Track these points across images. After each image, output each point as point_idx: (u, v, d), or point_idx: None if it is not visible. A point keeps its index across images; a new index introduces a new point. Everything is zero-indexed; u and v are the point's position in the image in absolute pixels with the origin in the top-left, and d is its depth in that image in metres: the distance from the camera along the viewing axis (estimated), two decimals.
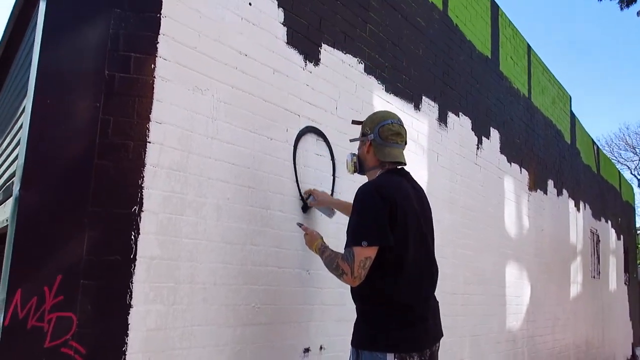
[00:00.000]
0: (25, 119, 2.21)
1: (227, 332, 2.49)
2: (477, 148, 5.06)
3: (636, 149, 36.66)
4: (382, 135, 2.40)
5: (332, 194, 3.21)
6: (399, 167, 2.44)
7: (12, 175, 2.65)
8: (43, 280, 2.04)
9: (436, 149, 4.29)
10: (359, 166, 2.53)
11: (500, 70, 5.75)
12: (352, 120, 2.70)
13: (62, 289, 2.04)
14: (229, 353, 2.49)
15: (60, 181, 2.12)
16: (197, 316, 2.35)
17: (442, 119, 4.50)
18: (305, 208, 3.02)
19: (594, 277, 9.02)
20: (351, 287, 2.31)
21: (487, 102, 5.37)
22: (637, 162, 36.36)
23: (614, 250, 10.80)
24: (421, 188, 2.50)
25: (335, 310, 3.15)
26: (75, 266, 2.06)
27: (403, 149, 2.48)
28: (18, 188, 2.09)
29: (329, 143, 3.26)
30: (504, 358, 5.34)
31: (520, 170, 6.08)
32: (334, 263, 2.26)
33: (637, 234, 24.33)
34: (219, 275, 2.47)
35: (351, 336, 2.31)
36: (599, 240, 9.48)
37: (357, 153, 2.56)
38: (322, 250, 2.41)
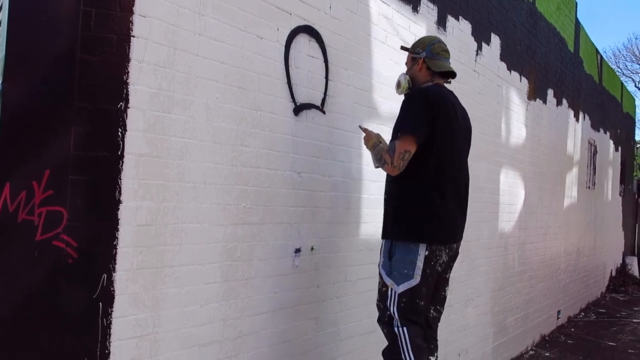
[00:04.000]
0: (3, 11, 2.12)
1: (218, 231, 2.54)
2: (477, 54, 4.94)
3: None
4: (434, 50, 2.82)
5: (324, 97, 3.17)
6: (446, 83, 2.86)
7: None
8: (31, 174, 2.04)
9: None
10: (412, 84, 2.85)
11: None
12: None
13: (50, 184, 2.05)
14: (221, 250, 2.55)
15: (44, 75, 2.07)
16: (187, 214, 2.39)
17: (441, 23, 4.35)
18: (297, 111, 2.98)
19: (588, 187, 9.14)
20: (390, 182, 2.70)
21: (489, 6, 5.17)
22: None
23: (611, 161, 10.86)
24: (463, 107, 2.92)
25: (326, 213, 3.21)
26: (64, 161, 2.06)
27: (450, 64, 2.88)
28: (0, 81, 2.05)
29: (322, 44, 3.16)
30: (494, 263, 5.51)
31: (520, 78, 5.96)
32: (379, 155, 2.63)
33: (637, 147, 24.40)
34: (209, 175, 2.48)
35: (381, 230, 2.74)
36: (597, 152, 9.50)
37: (409, 72, 2.90)
38: (374, 145, 2.75)
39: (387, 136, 2.99)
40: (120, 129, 2.13)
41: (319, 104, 3.12)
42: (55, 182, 2.06)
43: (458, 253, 2.79)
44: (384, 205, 2.78)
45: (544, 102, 6.75)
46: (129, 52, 2.14)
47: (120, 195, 2.13)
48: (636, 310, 9.35)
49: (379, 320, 2.71)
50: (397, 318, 2.51)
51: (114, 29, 2.13)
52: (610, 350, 6.69)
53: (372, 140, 2.84)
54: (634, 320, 8.51)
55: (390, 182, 2.71)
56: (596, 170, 9.55)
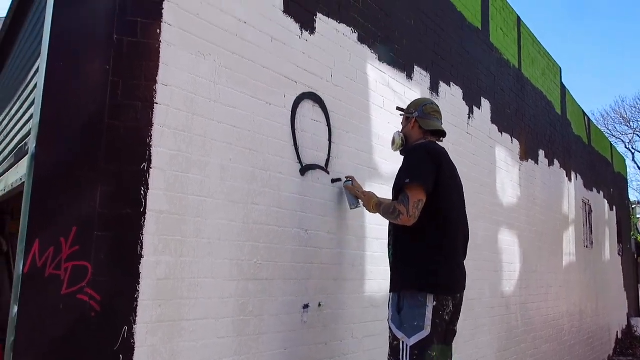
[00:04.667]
0: (39, 80, 2.32)
1: (232, 285, 2.64)
2: (469, 117, 5.20)
3: (631, 123, 36.85)
4: (426, 111, 3.02)
5: (328, 159, 3.35)
6: (440, 141, 3.03)
7: (25, 137, 2.77)
8: (59, 231, 2.17)
9: None
10: (405, 142, 3.05)
11: (491, 42, 5.87)
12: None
13: (77, 240, 2.18)
14: (234, 305, 2.64)
15: (74, 139, 2.24)
16: (203, 269, 2.51)
17: (434, 89, 4.63)
18: (303, 171, 3.16)
19: (586, 246, 9.23)
20: (395, 236, 2.80)
21: (478, 73, 5.49)
22: (632, 135, 36.60)
23: (607, 220, 11.00)
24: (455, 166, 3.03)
25: (333, 269, 3.31)
26: (90, 219, 2.20)
27: (441, 124, 3.07)
28: (34, 145, 2.22)
29: (325, 109, 3.39)
30: (498, 323, 5.54)
31: (512, 140, 6.22)
32: (391, 208, 2.72)
33: (632, 207, 24.67)
34: (223, 232, 2.61)
35: (389, 284, 2.81)
36: (591, 211, 9.67)
37: (401, 131, 3.11)
38: (379, 203, 2.92)
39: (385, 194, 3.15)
40: (143, 188, 2.28)
41: (323, 164, 3.31)
42: (81, 238, 2.18)
43: (462, 301, 2.87)
44: (390, 259, 2.88)
45: (536, 162, 6.98)
46: (152, 118, 2.34)
47: (142, 250, 2.25)
48: None
49: None
50: None
51: (139, 97, 2.33)
52: None
53: (373, 200, 3.05)
54: None
55: (395, 235, 2.83)
56: (592, 229, 9.68)
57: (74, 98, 2.28)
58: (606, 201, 10.95)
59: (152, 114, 2.34)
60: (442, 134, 3.09)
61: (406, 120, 3.11)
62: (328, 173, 3.33)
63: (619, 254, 11.84)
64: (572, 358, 7.90)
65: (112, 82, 2.30)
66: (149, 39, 2.38)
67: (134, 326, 2.20)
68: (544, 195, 7.15)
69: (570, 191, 8.48)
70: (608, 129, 35.64)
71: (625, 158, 13.62)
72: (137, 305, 2.22)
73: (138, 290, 2.23)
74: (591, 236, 9.55)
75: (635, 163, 36.45)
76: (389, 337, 2.70)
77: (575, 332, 8.22)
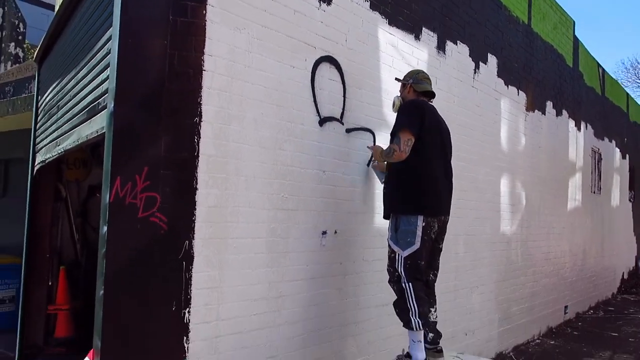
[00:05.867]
0: (112, 53, 2.97)
1: (263, 213, 3.35)
2: (475, 72, 5.71)
3: None
4: (418, 78, 3.75)
5: (342, 111, 3.97)
6: (430, 101, 3.71)
7: (97, 98, 3.43)
8: (135, 170, 2.86)
9: (434, 74, 4.93)
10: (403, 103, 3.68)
11: (500, 0, 6.27)
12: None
13: (148, 177, 2.87)
14: (266, 229, 3.36)
15: (143, 99, 2.91)
16: (242, 200, 3.21)
17: (441, 48, 5.15)
18: (322, 123, 3.79)
19: (593, 192, 9.73)
20: (389, 173, 3.55)
21: (485, 31, 5.95)
22: None
23: (618, 168, 11.42)
24: (443, 119, 3.70)
25: (346, 204, 3.99)
26: (157, 161, 2.89)
27: (431, 87, 3.78)
28: (112, 105, 2.89)
29: (340, 70, 3.98)
30: (498, 256, 6.21)
31: (518, 92, 6.70)
32: (388, 149, 3.43)
33: None
34: (257, 171, 3.30)
35: (383, 210, 3.61)
36: (601, 159, 10.11)
37: (400, 95, 3.80)
38: (382, 152, 3.57)
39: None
40: (196, 137, 2.96)
41: (338, 117, 3.93)
42: (151, 176, 2.88)
43: (447, 224, 3.53)
44: (385, 189, 3.57)
45: (543, 113, 7.46)
46: (201, 82, 2.99)
47: (196, 185, 2.95)
48: None
49: (389, 281, 3.46)
50: (404, 276, 3.27)
51: (190, 65, 2.97)
52: (612, 339, 7.28)
53: (379, 150, 3.71)
54: None
55: (389, 172, 3.50)
56: (601, 176, 10.15)
57: (141, 67, 2.93)
58: (618, 149, 11.33)
59: (201, 78, 2.99)
60: (431, 94, 3.72)
61: (403, 87, 3.79)
62: (342, 124, 3.96)
63: (630, 200, 12.28)
64: (572, 292, 8.58)
65: (169, 54, 2.94)
66: (197, 18, 3.00)
67: (193, 241, 2.93)
68: (549, 144, 7.65)
69: (579, 140, 8.93)
70: (638, 79, 34.98)
71: None
72: (194, 226, 2.94)
73: (195, 215, 2.94)
74: (599, 182, 10.03)
75: None
76: (388, 251, 3.41)
77: (578, 270, 8.86)
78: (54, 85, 5.13)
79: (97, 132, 3.36)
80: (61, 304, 6.06)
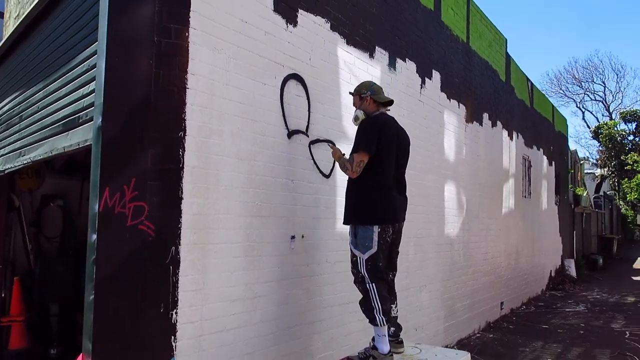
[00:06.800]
0: (98, 71, 3.14)
1: (240, 220, 3.60)
2: (421, 87, 6.18)
3: (582, 83, 38.80)
4: (374, 89, 3.95)
5: (307, 124, 4.29)
6: (387, 111, 3.97)
7: (76, 111, 3.57)
8: (122, 181, 3.05)
9: (387, 89, 5.35)
10: (366, 115, 3.87)
11: (442, 20, 6.80)
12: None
13: (136, 187, 3.06)
14: (242, 234, 3.61)
15: (130, 115, 3.09)
16: (221, 207, 3.45)
17: (392, 64, 5.57)
18: (290, 135, 4.09)
19: (525, 196, 10.53)
20: (350, 184, 3.77)
21: (430, 49, 6.45)
22: (583, 95, 38.58)
23: (546, 174, 12.36)
24: (402, 128, 3.99)
25: (312, 210, 4.31)
26: (144, 172, 3.09)
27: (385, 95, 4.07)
28: (100, 119, 3.06)
29: (305, 86, 4.29)
30: (443, 257, 6.70)
31: (459, 105, 7.26)
32: (343, 164, 3.77)
33: (580, 163, 26.48)
34: (234, 181, 3.55)
35: (343, 218, 3.81)
36: (531, 165, 10.94)
37: (360, 108, 3.94)
38: (340, 157, 3.88)
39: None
40: (180, 150, 3.19)
41: (304, 129, 4.25)
42: (139, 186, 3.08)
43: (402, 229, 3.88)
44: (346, 199, 3.87)
45: (480, 124, 8.07)
46: (185, 98, 3.22)
47: (181, 194, 3.18)
48: (570, 302, 10.74)
49: (355, 282, 3.77)
50: (367, 277, 3.59)
51: (175, 83, 3.20)
52: (543, 331, 7.96)
53: (338, 154, 3.96)
54: (567, 310, 9.86)
55: (351, 182, 3.81)
56: (531, 182, 10.98)
57: (128, 84, 3.13)
58: (545, 157, 12.26)
59: (185, 96, 3.22)
60: (390, 103, 4.02)
61: (360, 100, 3.95)
62: (307, 136, 4.28)
63: (555, 203, 13.28)
64: (508, 289, 9.26)
65: (155, 73, 3.15)
66: (181, 40, 3.23)
67: (179, 247, 3.15)
68: (486, 153, 8.29)
69: (512, 148, 9.66)
70: (561, 89, 37.37)
71: (565, 118, 14.93)
72: (180, 232, 3.16)
73: (180, 222, 3.17)
74: (530, 187, 10.85)
75: (585, 121, 38.31)
76: (350, 255, 3.72)
77: (512, 269, 9.57)
78: (14, 95, 5.15)
79: (78, 144, 3.50)
80: (15, 315, 6.01)
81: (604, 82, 41.52)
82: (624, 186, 28.33)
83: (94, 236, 3.02)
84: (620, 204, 31.67)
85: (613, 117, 35.37)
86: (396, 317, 3.85)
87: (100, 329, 2.94)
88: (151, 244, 3.08)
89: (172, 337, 3.10)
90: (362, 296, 3.69)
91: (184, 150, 3.21)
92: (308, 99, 4.33)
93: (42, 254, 6.43)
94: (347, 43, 4.83)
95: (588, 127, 36.88)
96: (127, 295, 3.01)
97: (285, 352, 3.95)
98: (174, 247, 3.14)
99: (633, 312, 9.77)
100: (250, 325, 3.63)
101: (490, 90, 8.61)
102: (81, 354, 3.11)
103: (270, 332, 3.81)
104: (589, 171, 33.09)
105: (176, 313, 3.12)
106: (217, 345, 3.36)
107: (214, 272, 3.37)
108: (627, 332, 7.86)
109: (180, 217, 3.18)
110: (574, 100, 38.37)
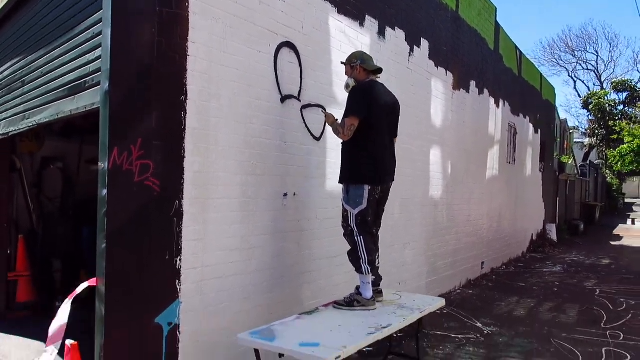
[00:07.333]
0: (104, 39, 3.37)
1: (237, 178, 3.92)
2: (409, 55, 6.43)
3: (575, 52, 38.91)
4: (364, 58, 4.22)
5: (300, 90, 4.57)
6: (377, 78, 4.23)
7: (81, 77, 3.81)
8: (130, 141, 3.32)
9: (376, 57, 5.58)
10: (356, 82, 4.19)
11: None
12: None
13: (142, 147, 3.35)
14: (239, 191, 3.93)
15: (134, 80, 3.35)
16: (220, 166, 3.76)
17: (381, 33, 5.81)
18: (283, 100, 4.37)
19: (509, 162, 10.89)
20: (344, 146, 4.09)
21: (419, 17, 6.67)
22: (575, 64, 38.74)
23: (531, 142, 12.71)
24: (392, 94, 4.27)
25: (303, 170, 4.62)
26: (149, 133, 3.37)
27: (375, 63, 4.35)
28: (107, 84, 3.31)
29: (298, 54, 4.55)
30: (427, 217, 7.07)
31: (446, 73, 7.52)
32: (335, 128, 4.06)
33: (570, 132, 26.85)
34: (231, 142, 3.85)
35: (339, 178, 4.13)
36: (516, 133, 11.27)
37: (351, 76, 4.20)
38: (333, 122, 4.14)
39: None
40: (182, 113, 3.47)
41: (296, 95, 4.53)
42: (144, 146, 3.36)
43: (389, 189, 4.24)
44: (341, 160, 4.20)
45: (467, 91, 8.35)
46: (186, 65, 3.48)
47: (184, 153, 3.48)
48: (548, 263, 11.25)
49: (344, 235, 4.11)
50: (356, 230, 3.95)
51: (176, 50, 3.46)
52: (519, 288, 8.45)
53: (331, 119, 4.24)
54: (544, 270, 10.37)
55: (344, 145, 4.13)
56: (516, 148, 11.33)
57: (132, 51, 3.38)
58: (531, 125, 12.59)
59: (186, 62, 3.49)
60: (380, 71, 4.30)
61: (351, 69, 4.23)
62: (300, 100, 4.56)
63: (540, 170, 13.67)
64: (489, 250, 9.71)
65: (157, 41, 3.40)
66: (181, 10, 3.47)
67: (182, 201, 3.47)
68: (472, 119, 8.59)
69: (498, 116, 9.96)
70: (554, 58, 37.47)
71: (553, 87, 15.19)
72: (183, 188, 3.47)
73: (183, 178, 3.47)
74: (514, 154, 11.20)
75: (576, 91, 38.59)
76: (342, 210, 4.07)
77: (494, 231, 10.00)
78: (14, 60, 5.34)
79: (85, 107, 3.76)
80: (21, 270, 6.34)
81: (597, 51, 41.60)
82: (609, 157, 28.81)
83: (104, 191, 3.31)
84: (607, 173, 32.24)
85: (604, 86, 35.61)
86: (378, 268, 4.22)
87: (113, 275, 3.26)
88: (156, 198, 3.38)
89: (177, 281, 3.44)
90: (350, 247, 4.05)
91: (186, 113, 3.49)
92: (300, 65, 4.58)
93: (44, 213, 6.72)
94: (338, 12, 5.06)
95: (579, 96, 37.14)
96: (135, 245, 3.33)
97: (278, 299, 4.32)
98: (177, 201, 3.45)
99: (606, 273, 10.30)
100: (246, 273, 3.99)
101: (478, 59, 8.85)
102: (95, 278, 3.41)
103: (265, 280, 4.17)
104: (578, 140, 33.58)
105: (180, 260, 3.45)
106: (216, 290, 3.72)
107: (214, 224, 3.70)
108: (597, 290, 8.36)
109: (183, 174, 3.48)
110: (566, 69, 38.49)
